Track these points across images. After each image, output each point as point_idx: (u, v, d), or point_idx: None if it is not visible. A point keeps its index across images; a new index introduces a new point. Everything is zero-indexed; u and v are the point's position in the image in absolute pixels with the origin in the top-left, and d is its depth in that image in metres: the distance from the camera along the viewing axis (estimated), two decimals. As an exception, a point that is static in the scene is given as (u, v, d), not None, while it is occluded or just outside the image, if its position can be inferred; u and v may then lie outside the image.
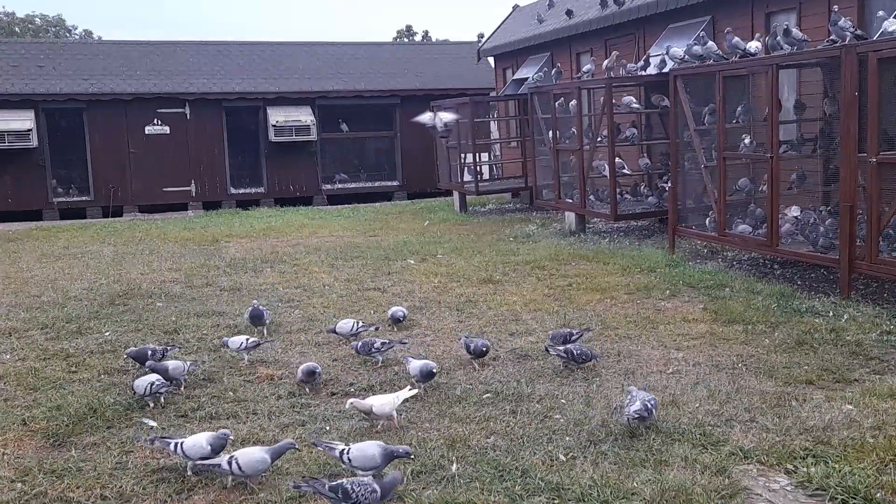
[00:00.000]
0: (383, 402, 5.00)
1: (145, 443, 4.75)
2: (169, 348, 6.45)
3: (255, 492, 4.19)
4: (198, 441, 4.43)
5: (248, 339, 6.56)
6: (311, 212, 18.75)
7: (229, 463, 4.20)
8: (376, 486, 3.80)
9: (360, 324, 6.96)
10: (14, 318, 8.25)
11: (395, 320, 7.47)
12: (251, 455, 4.23)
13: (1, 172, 19.19)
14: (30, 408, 5.58)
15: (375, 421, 5.02)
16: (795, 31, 9.05)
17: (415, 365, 5.69)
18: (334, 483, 3.86)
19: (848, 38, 8.41)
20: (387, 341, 6.46)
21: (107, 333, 7.56)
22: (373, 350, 6.33)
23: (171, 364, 5.85)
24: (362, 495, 3.74)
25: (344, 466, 4.23)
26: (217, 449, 4.41)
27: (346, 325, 6.91)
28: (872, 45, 7.51)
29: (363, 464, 4.15)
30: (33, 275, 10.85)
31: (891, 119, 7.88)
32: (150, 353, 6.14)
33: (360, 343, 6.45)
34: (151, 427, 5.17)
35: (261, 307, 7.43)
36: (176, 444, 4.44)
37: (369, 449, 4.19)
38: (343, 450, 4.22)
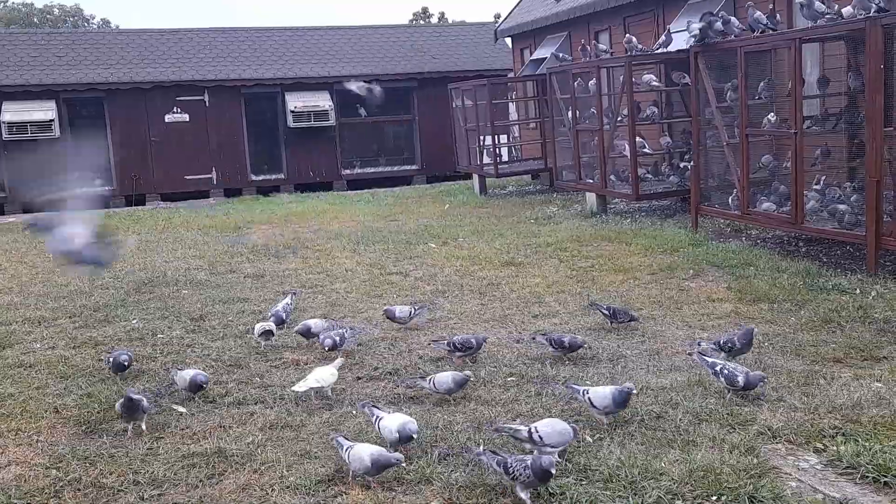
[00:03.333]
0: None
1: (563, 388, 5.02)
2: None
3: (285, 477, 4.24)
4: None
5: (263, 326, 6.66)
6: (331, 197, 18.79)
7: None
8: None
9: (415, 308, 7.01)
10: (43, 308, 8.36)
11: (393, 318, 6.90)
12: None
13: (24, 163, 19.40)
14: (61, 395, 5.66)
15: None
16: (818, 4, 8.89)
17: (389, 425, 4.41)
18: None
19: (872, 10, 8.26)
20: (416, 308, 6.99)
21: (134, 321, 7.64)
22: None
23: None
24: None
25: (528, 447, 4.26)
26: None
27: (403, 311, 6.93)
28: (899, 17, 7.37)
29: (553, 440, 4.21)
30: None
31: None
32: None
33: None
34: (181, 413, 5.23)
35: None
36: (584, 391, 4.70)
37: (558, 425, 4.26)
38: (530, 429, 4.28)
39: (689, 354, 5.54)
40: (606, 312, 6.62)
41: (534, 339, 6.16)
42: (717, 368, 4.97)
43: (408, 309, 6.96)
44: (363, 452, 4.07)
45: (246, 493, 4.13)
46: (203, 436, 4.83)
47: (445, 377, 5.16)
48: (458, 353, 5.94)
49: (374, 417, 4.52)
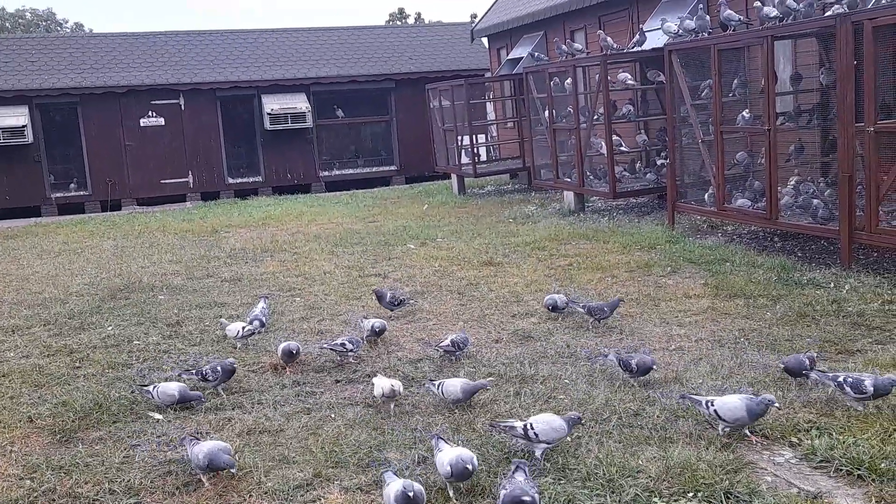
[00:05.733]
0: None
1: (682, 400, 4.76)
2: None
3: (263, 482, 4.21)
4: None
5: (244, 328, 6.70)
6: (309, 199, 18.72)
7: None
8: None
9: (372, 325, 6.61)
10: (16, 316, 8.25)
11: (375, 332, 6.54)
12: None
13: (-3, 170, 19.17)
14: (35, 405, 5.59)
15: None
16: (790, 0, 8.97)
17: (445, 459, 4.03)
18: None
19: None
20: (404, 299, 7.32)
21: (109, 328, 7.57)
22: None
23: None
24: None
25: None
26: None
27: (367, 323, 6.59)
28: (868, 13, 7.45)
29: (549, 436, 4.19)
30: (34, 271, 10.85)
31: (888, 88, 7.84)
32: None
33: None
34: (157, 420, 5.18)
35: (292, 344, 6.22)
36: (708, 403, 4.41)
37: (555, 421, 4.23)
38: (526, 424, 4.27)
39: (806, 376, 4.94)
40: (582, 309, 6.66)
41: (591, 357, 5.67)
42: (841, 380, 4.56)
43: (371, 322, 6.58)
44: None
45: (223, 500, 4.10)
46: (180, 443, 4.79)
47: (454, 385, 5.01)
48: (457, 353, 5.99)
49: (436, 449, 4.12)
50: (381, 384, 5.14)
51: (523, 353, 6.05)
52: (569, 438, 4.38)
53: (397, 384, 5.13)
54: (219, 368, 5.56)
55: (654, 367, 5.20)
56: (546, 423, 4.23)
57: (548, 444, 4.21)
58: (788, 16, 8.84)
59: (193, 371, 5.74)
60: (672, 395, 4.94)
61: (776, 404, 4.34)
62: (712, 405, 4.34)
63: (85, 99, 19.76)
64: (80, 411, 5.36)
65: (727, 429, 4.35)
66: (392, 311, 7.31)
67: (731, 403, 4.30)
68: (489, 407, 5.01)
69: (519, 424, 4.28)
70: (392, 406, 5.09)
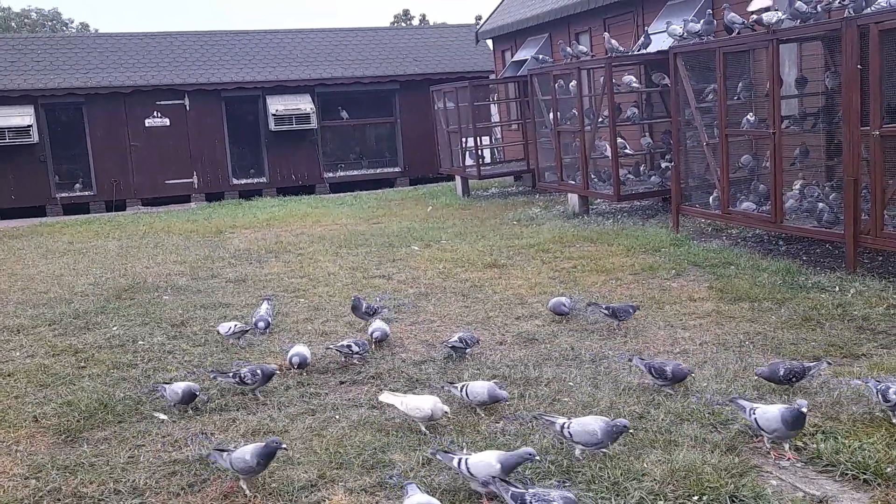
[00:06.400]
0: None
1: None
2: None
3: (267, 483, 4.21)
4: None
5: (234, 325, 6.77)
6: (313, 200, 18.74)
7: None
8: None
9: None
10: (22, 315, 8.27)
11: (378, 340, 6.52)
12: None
13: (2, 169, 19.20)
14: (41, 404, 5.61)
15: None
16: (799, 4, 8.95)
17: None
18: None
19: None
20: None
21: (114, 328, 7.58)
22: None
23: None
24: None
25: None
26: None
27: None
28: (874, 17, 7.44)
29: (582, 438, 4.16)
30: (39, 271, 10.88)
31: (893, 91, 7.82)
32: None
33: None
34: (162, 420, 5.19)
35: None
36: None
37: (590, 424, 4.20)
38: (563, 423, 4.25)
39: (863, 382, 4.80)
40: (606, 311, 6.58)
41: (630, 360, 5.56)
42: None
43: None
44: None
45: (228, 501, 4.10)
46: (185, 443, 4.80)
47: (480, 388, 4.95)
48: (466, 350, 6.02)
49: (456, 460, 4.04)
50: (422, 405, 4.70)
51: (527, 356, 6.05)
52: (614, 447, 4.25)
53: (440, 406, 4.71)
54: (258, 372, 5.48)
55: (692, 374, 5.13)
56: (581, 425, 4.21)
57: (583, 446, 4.19)
58: (797, 19, 8.81)
59: (230, 374, 5.56)
60: (677, 399, 4.93)
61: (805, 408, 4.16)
62: (754, 413, 4.24)
63: (90, 99, 19.81)
64: (85, 411, 5.37)
65: (772, 441, 4.24)
66: (367, 321, 6.96)
67: (770, 413, 4.16)
68: (492, 407, 5.01)
69: (559, 421, 4.31)
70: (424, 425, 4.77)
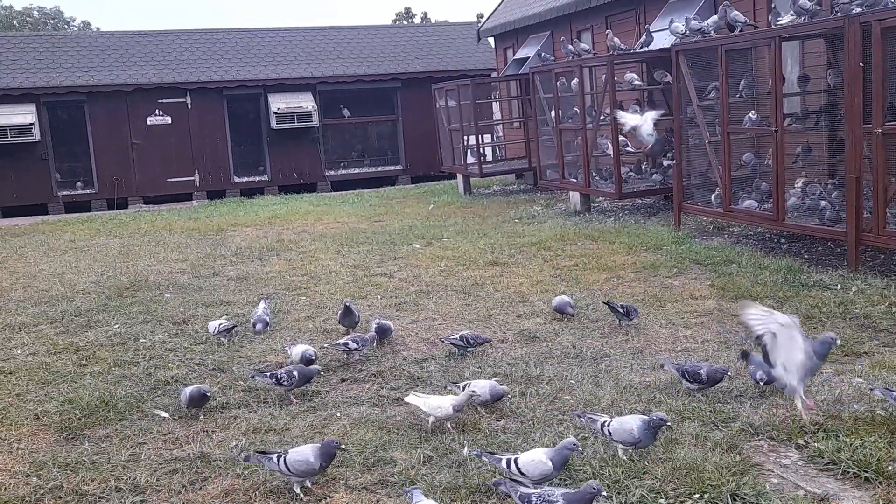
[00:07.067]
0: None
1: None
2: None
3: (268, 481, 4.21)
4: None
5: (220, 324, 6.78)
6: (315, 198, 18.74)
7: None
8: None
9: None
10: (23, 313, 8.28)
11: (382, 332, 6.53)
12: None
13: (4, 168, 19.21)
14: (42, 402, 5.61)
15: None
16: (803, 1, 8.92)
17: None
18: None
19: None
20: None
21: (116, 326, 7.59)
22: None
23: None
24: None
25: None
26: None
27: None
28: (876, 15, 7.43)
29: (620, 437, 4.15)
30: (40, 269, 10.88)
31: (896, 89, 7.82)
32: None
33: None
34: (163, 418, 5.19)
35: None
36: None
37: (628, 422, 4.18)
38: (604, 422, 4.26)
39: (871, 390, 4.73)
40: (621, 311, 6.51)
41: (662, 366, 5.45)
42: None
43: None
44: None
45: (229, 499, 4.10)
46: (186, 441, 4.81)
47: (483, 387, 4.94)
48: (468, 349, 5.99)
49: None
50: (441, 403, 4.63)
51: (529, 354, 6.04)
52: (656, 443, 4.22)
53: (462, 401, 4.65)
54: (295, 373, 5.35)
55: (728, 374, 5.03)
56: (620, 423, 4.20)
57: (623, 445, 4.17)
58: (802, 16, 8.78)
59: (267, 374, 5.46)
60: (678, 397, 4.93)
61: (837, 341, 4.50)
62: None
63: (92, 97, 19.81)
64: (86, 409, 5.37)
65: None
66: (348, 329, 6.86)
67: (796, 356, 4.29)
68: (495, 405, 5.01)
69: (601, 420, 4.31)
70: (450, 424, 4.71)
